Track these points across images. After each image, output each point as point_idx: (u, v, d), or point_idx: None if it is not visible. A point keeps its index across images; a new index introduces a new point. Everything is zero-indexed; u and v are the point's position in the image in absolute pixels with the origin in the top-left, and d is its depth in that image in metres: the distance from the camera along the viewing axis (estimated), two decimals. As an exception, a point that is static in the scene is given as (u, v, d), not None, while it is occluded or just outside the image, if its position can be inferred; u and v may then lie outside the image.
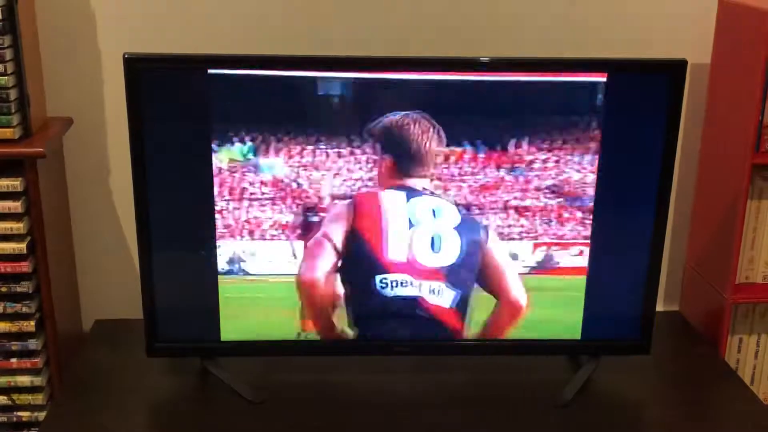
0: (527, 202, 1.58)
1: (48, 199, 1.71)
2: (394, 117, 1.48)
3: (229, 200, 1.55)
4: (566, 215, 1.60)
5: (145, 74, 1.50)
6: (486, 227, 1.52)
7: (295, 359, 1.78)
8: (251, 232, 1.56)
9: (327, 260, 1.50)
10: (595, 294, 1.65)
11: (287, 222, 1.49)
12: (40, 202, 1.67)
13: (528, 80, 1.53)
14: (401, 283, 1.51)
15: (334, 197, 1.48)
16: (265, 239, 1.55)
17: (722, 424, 1.68)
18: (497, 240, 1.54)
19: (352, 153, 1.49)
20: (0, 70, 1.60)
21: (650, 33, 1.87)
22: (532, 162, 1.56)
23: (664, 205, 1.61)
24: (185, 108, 1.53)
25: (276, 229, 1.52)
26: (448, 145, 1.51)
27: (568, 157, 1.56)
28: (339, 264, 1.51)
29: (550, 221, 1.60)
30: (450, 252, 1.50)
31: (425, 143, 1.44)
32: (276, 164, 1.50)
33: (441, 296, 1.51)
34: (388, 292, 1.52)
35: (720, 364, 1.86)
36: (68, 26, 1.81)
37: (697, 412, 1.71)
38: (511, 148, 1.55)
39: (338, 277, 1.51)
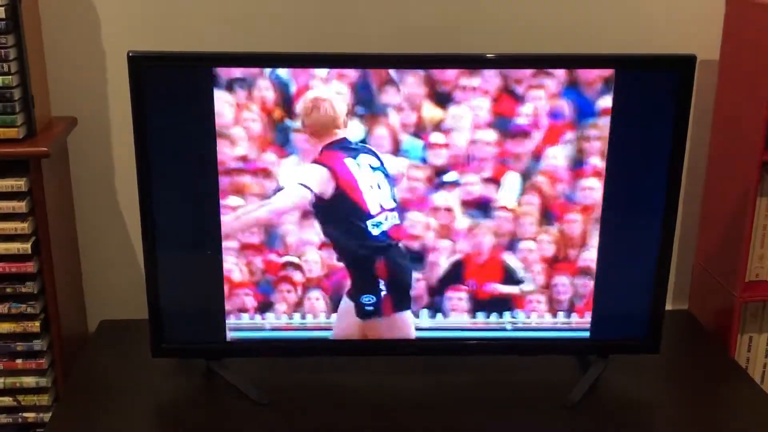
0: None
1: (52, 199, 1.71)
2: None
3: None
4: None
5: (150, 73, 1.49)
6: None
7: (301, 360, 1.77)
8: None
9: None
10: (604, 293, 1.64)
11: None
12: (45, 202, 1.66)
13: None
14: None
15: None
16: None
17: (732, 424, 1.66)
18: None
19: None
20: (4, 70, 1.60)
21: (658, 29, 1.86)
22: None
23: (673, 203, 1.60)
24: (190, 106, 1.52)
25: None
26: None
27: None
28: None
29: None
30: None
31: None
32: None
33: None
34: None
35: (730, 363, 1.84)
36: (72, 25, 1.80)
37: (707, 411, 1.70)
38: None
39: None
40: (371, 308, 1.63)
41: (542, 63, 1.53)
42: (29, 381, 1.73)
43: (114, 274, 1.97)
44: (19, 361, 1.72)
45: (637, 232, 1.62)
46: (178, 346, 1.66)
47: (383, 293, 1.62)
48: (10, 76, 1.61)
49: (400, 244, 1.59)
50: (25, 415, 1.76)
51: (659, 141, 1.56)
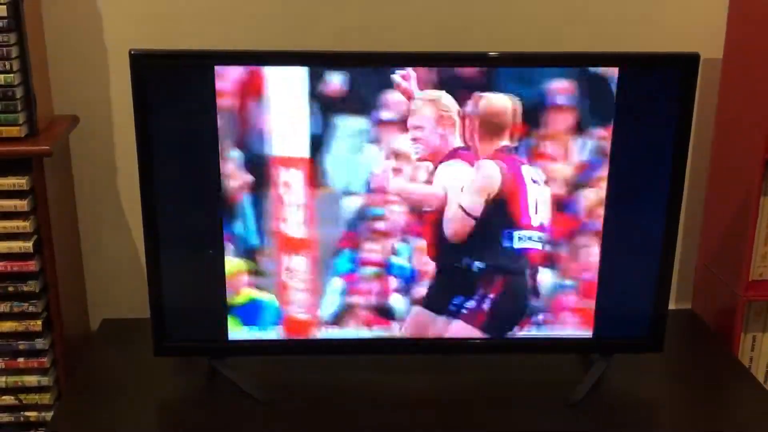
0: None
1: (54, 197, 1.71)
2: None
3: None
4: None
5: (152, 71, 1.49)
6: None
7: (303, 359, 1.76)
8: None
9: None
10: (607, 292, 1.64)
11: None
12: (47, 200, 1.66)
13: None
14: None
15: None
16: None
17: (735, 423, 1.66)
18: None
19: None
20: (6, 68, 1.60)
21: (662, 28, 1.86)
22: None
23: (676, 202, 1.60)
24: (192, 104, 1.51)
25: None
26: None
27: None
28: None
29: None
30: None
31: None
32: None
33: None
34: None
35: (733, 363, 1.84)
36: (74, 23, 1.80)
37: (710, 410, 1.69)
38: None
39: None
40: (454, 309, 1.62)
41: (545, 61, 1.52)
42: (31, 380, 1.73)
43: (116, 273, 1.97)
44: (21, 359, 1.72)
45: (640, 230, 1.62)
46: (180, 345, 1.65)
47: (484, 306, 1.62)
48: (12, 75, 1.60)
49: (529, 270, 1.60)
50: (27, 413, 1.76)
51: (662, 139, 1.56)
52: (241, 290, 1.60)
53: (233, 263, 1.58)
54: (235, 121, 1.50)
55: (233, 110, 1.50)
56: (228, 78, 1.48)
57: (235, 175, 1.53)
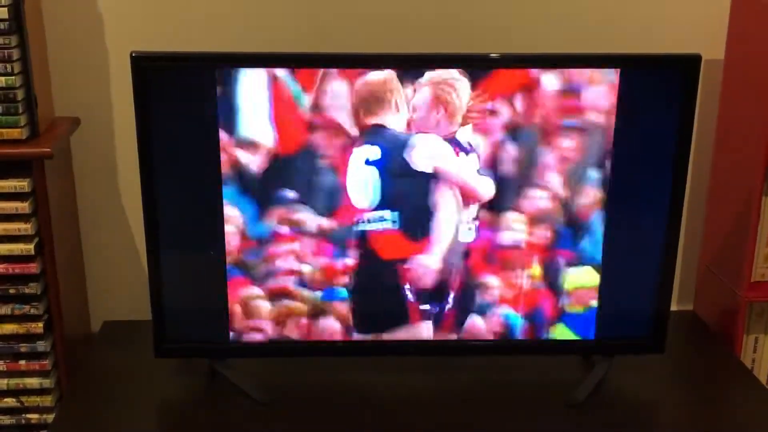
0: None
1: (56, 199, 1.71)
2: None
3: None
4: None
5: (153, 73, 1.49)
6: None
7: (303, 360, 1.76)
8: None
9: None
10: (609, 293, 1.64)
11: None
12: (48, 202, 1.66)
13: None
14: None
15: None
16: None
17: (737, 424, 1.65)
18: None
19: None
20: (7, 70, 1.60)
21: (663, 29, 1.86)
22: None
23: (678, 203, 1.59)
24: (193, 106, 1.51)
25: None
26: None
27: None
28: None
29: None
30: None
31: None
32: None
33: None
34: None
35: (735, 364, 1.83)
36: (75, 25, 1.80)
37: (712, 411, 1.69)
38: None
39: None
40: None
41: (546, 62, 1.52)
42: (32, 382, 1.73)
43: (117, 275, 1.97)
44: (22, 362, 1.72)
45: (642, 232, 1.62)
46: (180, 346, 1.65)
47: None
48: (14, 77, 1.60)
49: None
50: (29, 416, 1.76)
51: (664, 140, 1.56)
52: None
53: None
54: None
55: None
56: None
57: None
